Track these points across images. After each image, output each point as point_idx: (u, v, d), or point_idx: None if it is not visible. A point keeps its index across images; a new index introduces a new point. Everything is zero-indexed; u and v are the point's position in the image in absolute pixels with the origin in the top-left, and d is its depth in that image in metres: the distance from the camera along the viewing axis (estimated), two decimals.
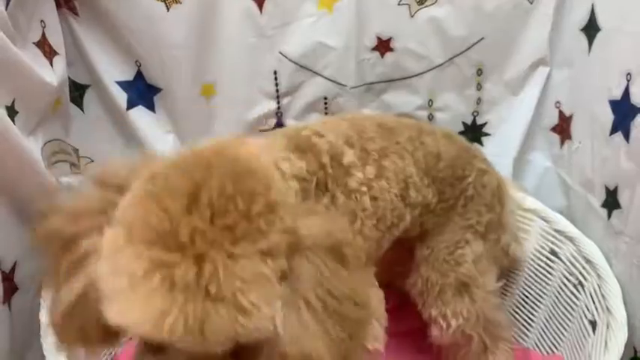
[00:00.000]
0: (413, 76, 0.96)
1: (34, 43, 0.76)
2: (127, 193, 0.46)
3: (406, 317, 0.93)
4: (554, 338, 0.87)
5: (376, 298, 0.66)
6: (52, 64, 0.79)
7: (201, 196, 0.42)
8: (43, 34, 0.78)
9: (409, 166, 0.72)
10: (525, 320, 0.93)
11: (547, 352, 0.88)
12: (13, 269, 0.73)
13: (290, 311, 0.45)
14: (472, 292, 0.78)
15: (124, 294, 0.40)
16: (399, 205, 0.71)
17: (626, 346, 0.71)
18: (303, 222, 0.47)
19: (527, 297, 0.92)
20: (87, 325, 0.48)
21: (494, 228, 0.81)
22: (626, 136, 0.76)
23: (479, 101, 0.98)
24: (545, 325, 0.89)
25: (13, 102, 0.70)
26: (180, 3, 0.85)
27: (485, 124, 1.00)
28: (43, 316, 0.66)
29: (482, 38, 0.92)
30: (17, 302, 0.73)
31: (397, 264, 0.82)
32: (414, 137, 0.75)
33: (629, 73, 0.75)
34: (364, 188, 0.67)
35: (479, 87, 0.97)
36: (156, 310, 0.39)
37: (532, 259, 0.91)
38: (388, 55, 0.94)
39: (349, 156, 0.67)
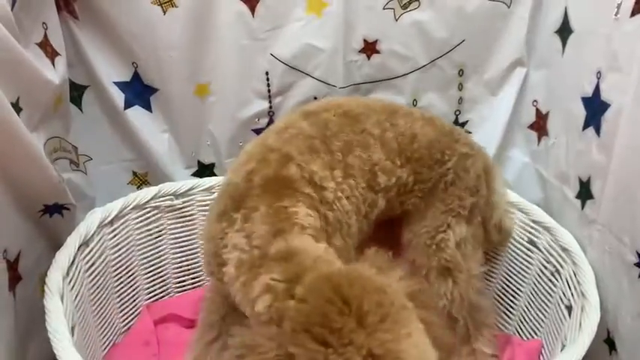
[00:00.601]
0: (398, 77, 1.01)
1: (36, 43, 0.79)
2: None
3: None
4: (534, 324, 0.91)
5: None
6: (53, 64, 0.82)
7: None
8: (45, 36, 0.81)
9: (375, 153, 0.75)
10: (507, 308, 0.97)
11: (527, 338, 0.92)
12: (17, 259, 0.76)
13: None
14: (455, 275, 0.81)
15: None
16: (369, 194, 0.75)
17: (600, 328, 0.76)
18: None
19: (508, 286, 0.97)
20: None
21: (481, 210, 0.85)
22: (597, 131, 0.81)
23: (460, 101, 1.03)
24: (525, 312, 0.93)
25: (18, 99, 0.73)
26: (177, 7, 0.89)
27: (467, 122, 1.05)
28: (48, 302, 0.69)
29: (463, 41, 0.97)
30: (21, 291, 0.76)
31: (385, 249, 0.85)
32: (382, 120, 0.78)
33: (599, 72, 0.80)
34: (339, 194, 0.71)
35: (460, 87, 1.02)
36: None
37: (512, 250, 0.95)
38: (374, 56, 0.99)
39: (319, 170, 0.70)
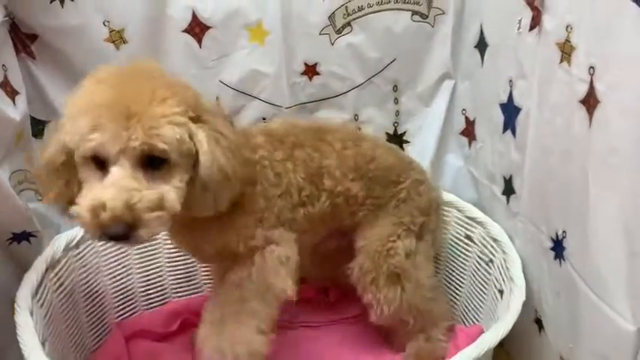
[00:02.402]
0: (339, 95, 1.09)
1: None
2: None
3: (350, 306, 1.04)
4: (475, 311, 1.00)
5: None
6: (14, 103, 0.89)
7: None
8: (5, 77, 0.88)
9: (328, 159, 0.85)
10: (451, 299, 1.06)
11: (470, 324, 1.01)
12: None
13: (210, 141, 0.68)
14: (403, 283, 0.88)
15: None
16: (308, 186, 0.83)
17: (528, 308, 0.85)
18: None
19: (451, 278, 1.06)
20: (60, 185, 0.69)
21: (430, 230, 0.94)
22: (514, 133, 0.91)
23: (397, 113, 1.13)
24: (468, 301, 1.02)
25: None
26: (127, 42, 0.96)
27: (405, 132, 1.14)
28: (18, 317, 0.75)
29: (395, 59, 1.07)
30: None
31: (342, 259, 0.92)
32: (347, 139, 0.89)
33: (510, 80, 0.90)
34: (266, 162, 0.80)
35: (396, 101, 1.11)
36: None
37: (451, 245, 1.04)
38: (315, 78, 1.07)
39: (260, 141, 0.82)
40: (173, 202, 0.65)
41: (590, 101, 0.69)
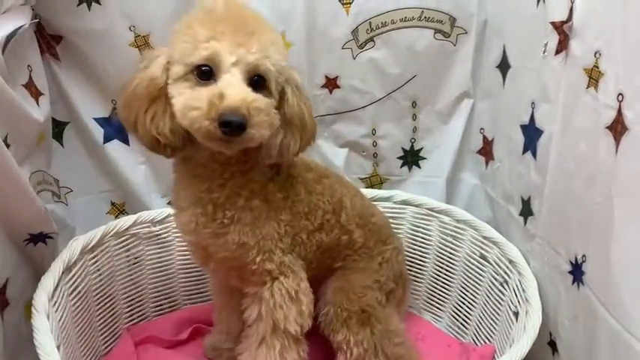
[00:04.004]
0: (358, 109, 1.10)
1: (22, 85, 0.86)
2: None
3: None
4: (488, 331, 0.99)
5: None
6: (38, 103, 0.89)
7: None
8: (30, 77, 0.88)
9: (345, 197, 0.88)
10: (463, 319, 1.05)
11: (483, 344, 1.00)
12: (5, 286, 0.81)
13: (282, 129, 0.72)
14: (373, 324, 0.86)
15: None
16: (330, 216, 0.85)
17: (543, 331, 0.85)
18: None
19: (464, 297, 1.05)
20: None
21: (395, 299, 0.94)
22: (534, 155, 0.91)
23: (415, 129, 1.13)
24: (480, 321, 1.01)
25: (7, 136, 0.79)
26: (153, 49, 0.97)
27: (422, 149, 1.15)
28: (36, 321, 0.74)
29: (415, 76, 1.08)
30: (8, 316, 0.81)
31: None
32: (357, 191, 0.94)
33: (533, 102, 0.91)
34: (300, 179, 0.82)
35: (414, 117, 1.12)
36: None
37: (466, 264, 1.04)
38: (336, 91, 1.08)
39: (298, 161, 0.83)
40: (274, 116, 0.69)
41: (617, 128, 0.70)
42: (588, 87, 0.76)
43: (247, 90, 0.66)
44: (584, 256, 0.79)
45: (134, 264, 1.00)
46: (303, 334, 0.81)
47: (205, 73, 0.67)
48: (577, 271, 0.81)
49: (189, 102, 0.66)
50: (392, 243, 0.95)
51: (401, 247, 1.00)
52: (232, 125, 0.64)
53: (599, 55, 0.73)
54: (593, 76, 0.75)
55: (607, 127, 0.71)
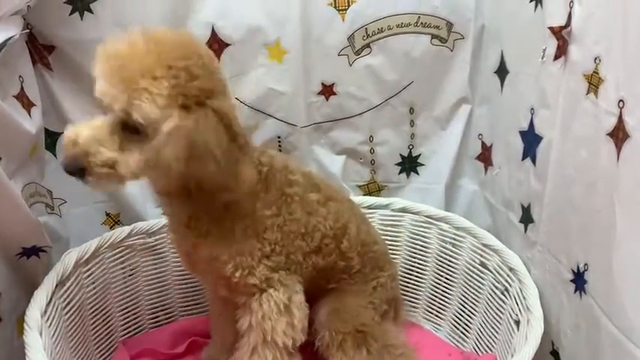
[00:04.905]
0: (355, 116, 1.09)
1: (13, 96, 0.85)
2: None
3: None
4: (489, 340, 0.98)
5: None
6: (30, 115, 0.87)
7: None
8: (22, 88, 0.87)
9: (351, 224, 0.87)
10: (464, 327, 1.04)
11: (484, 353, 0.99)
12: None
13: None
14: (369, 343, 0.86)
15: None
16: (330, 240, 0.84)
17: (545, 340, 0.83)
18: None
19: (464, 306, 1.04)
20: None
21: (389, 316, 0.94)
22: (534, 161, 0.90)
23: (413, 136, 1.12)
24: (481, 330, 1.00)
25: None
26: None
27: (420, 155, 1.13)
28: (28, 337, 0.73)
29: (412, 82, 1.07)
30: (0, 331, 0.79)
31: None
32: (364, 218, 0.95)
33: (532, 108, 0.90)
34: (297, 198, 0.80)
35: (412, 124, 1.11)
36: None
37: (466, 273, 1.03)
38: (332, 98, 1.07)
39: (297, 179, 0.81)
40: (128, 169, 0.68)
41: (618, 135, 0.68)
42: (588, 93, 0.75)
43: (103, 138, 0.68)
44: (586, 264, 0.78)
45: (129, 276, 0.99)
46: (295, 347, 0.80)
47: None
48: (579, 280, 0.80)
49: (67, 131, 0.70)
50: (388, 270, 0.96)
51: (396, 274, 1.00)
52: (70, 172, 0.68)
53: (599, 60, 0.72)
54: (593, 82, 0.74)
55: (608, 134, 0.70)
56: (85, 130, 0.68)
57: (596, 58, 0.73)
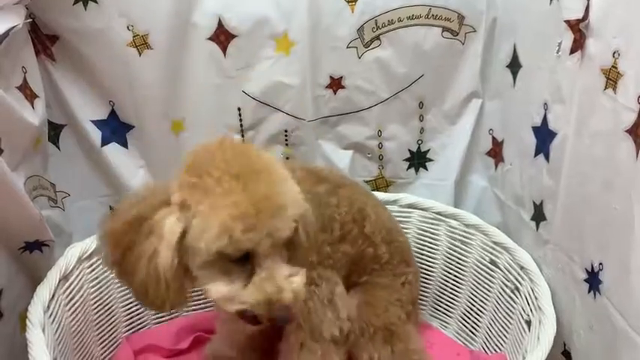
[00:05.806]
0: (363, 110, 1.07)
1: (16, 87, 0.83)
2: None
3: None
4: (498, 339, 0.96)
5: None
6: (33, 106, 0.86)
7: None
8: (25, 79, 0.85)
9: (367, 206, 0.87)
10: (472, 326, 1.02)
11: (493, 353, 0.97)
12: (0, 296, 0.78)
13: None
14: (394, 342, 0.87)
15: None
16: (352, 226, 0.84)
17: (557, 340, 0.82)
18: None
19: (473, 304, 1.02)
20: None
21: (412, 317, 0.94)
22: (547, 157, 0.88)
23: (422, 131, 1.10)
24: (490, 329, 0.98)
25: (0, 141, 0.76)
26: (152, 49, 0.93)
27: (429, 150, 1.11)
28: (30, 334, 0.71)
29: (422, 75, 1.04)
30: (2, 327, 0.78)
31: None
32: (378, 201, 0.96)
33: (545, 103, 0.87)
34: (309, 196, 0.77)
35: (421, 118, 1.09)
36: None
37: (475, 270, 1.01)
38: (340, 91, 1.05)
39: (300, 175, 0.79)
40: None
41: (637, 131, 0.66)
42: (606, 88, 0.72)
43: (288, 272, 0.66)
44: (600, 264, 0.76)
45: None
46: (343, 336, 0.81)
47: (241, 259, 0.65)
48: (594, 280, 0.78)
49: (241, 297, 0.65)
50: (413, 266, 0.97)
51: (419, 273, 1.00)
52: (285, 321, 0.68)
53: (618, 55, 0.70)
54: (612, 77, 0.71)
55: (626, 131, 0.68)
56: (270, 281, 0.65)
57: (615, 53, 0.71)
